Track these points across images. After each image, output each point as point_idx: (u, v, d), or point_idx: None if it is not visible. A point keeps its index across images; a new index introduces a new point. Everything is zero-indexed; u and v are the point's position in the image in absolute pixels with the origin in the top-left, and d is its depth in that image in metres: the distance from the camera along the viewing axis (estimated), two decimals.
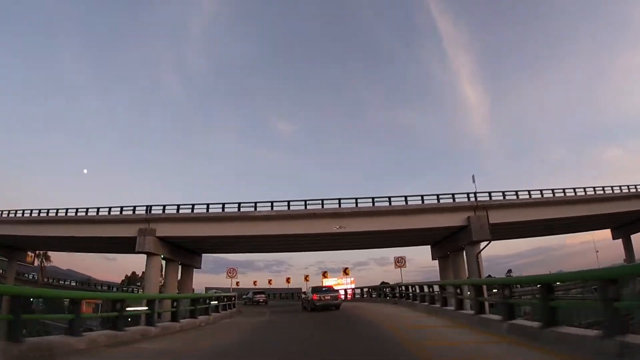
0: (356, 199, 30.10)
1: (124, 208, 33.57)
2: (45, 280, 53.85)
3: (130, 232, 31.69)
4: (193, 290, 41.52)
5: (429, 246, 38.67)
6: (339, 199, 29.92)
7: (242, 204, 30.02)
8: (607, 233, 43.18)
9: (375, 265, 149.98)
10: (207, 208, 30.59)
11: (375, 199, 30.32)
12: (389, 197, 30.56)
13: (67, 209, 36.22)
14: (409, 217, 29.99)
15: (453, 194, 31.48)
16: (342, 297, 31.58)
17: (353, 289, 30.51)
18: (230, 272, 19.77)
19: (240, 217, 29.61)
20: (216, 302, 17.93)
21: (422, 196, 30.90)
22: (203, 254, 41.25)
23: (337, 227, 29.10)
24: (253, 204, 29.84)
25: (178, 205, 31.55)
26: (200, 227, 30.36)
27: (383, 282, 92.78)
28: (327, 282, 51.00)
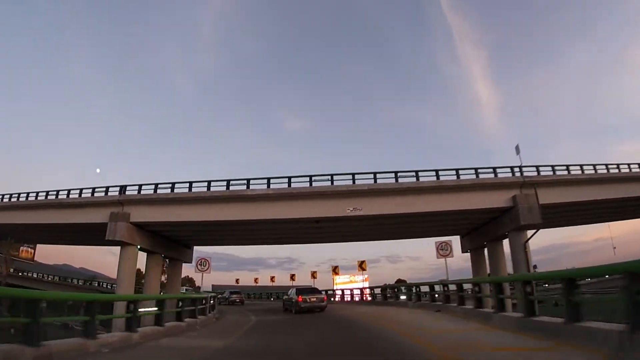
0: (374, 173, 23.98)
1: (97, 189, 28.20)
2: (11, 271, 49.37)
3: (101, 218, 26.29)
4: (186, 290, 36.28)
5: (457, 237, 32.41)
6: (353, 174, 23.84)
7: (232, 182, 24.24)
8: (623, 229, 36.62)
9: (386, 263, 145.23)
10: (190, 187, 24.91)
11: (399, 174, 24.15)
12: (416, 172, 24.35)
13: (37, 193, 31.24)
14: (442, 196, 23.72)
15: (494, 168, 25.15)
16: (358, 298, 25.63)
17: (370, 289, 24.33)
18: (200, 265, 13.92)
19: (229, 198, 23.81)
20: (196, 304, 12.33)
21: (457, 170, 24.61)
22: (195, 247, 35.77)
23: (351, 209, 23.04)
24: (245, 182, 24.02)
25: (156, 185, 25.97)
26: (180, 210, 24.69)
27: (399, 280, 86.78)
28: (339, 279, 46.16)
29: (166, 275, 39.03)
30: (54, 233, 33.63)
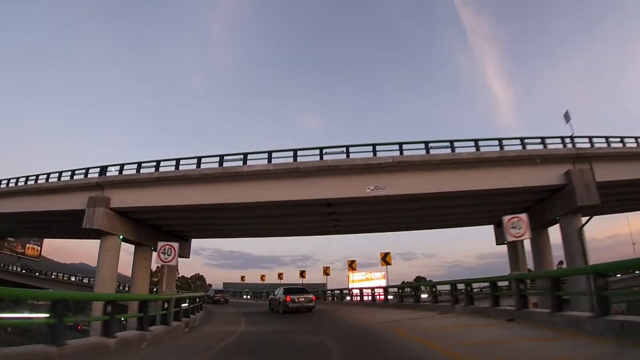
0: (400, 143, 19.33)
1: (77, 172, 24.55)
2: (17, 269, 46.62)
3: (78, 204, 22.60)
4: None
5: (485, 228, 27.66)
6: (374, 145, 19.24)
7: (226, 157, 20.02)
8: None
9: (400, 260, 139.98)
10: (177, 165, 20.84)
11: (431, 144, 19.47)
12: (451, 141, 19.65)
13: (17, 179, 27.91)
14: (481, 171, 18.99)
15: (542, 138, 20.31)
16: (368, 298, 21.04)
17: (398, 288, 19.50)
18: (164, 253, 9.98)
19: (222, 176, 19.61)
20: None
21: (499, 140, 19.87)
22: (193, 240, 31.86)
23: (371, 187, 18.49)
24: (242, 156, 19.75)
25: (139, 164, 22.01)
26: (166, 193, 20.66)
27: (418, 278, 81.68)
28: (355, 276, 42.44)
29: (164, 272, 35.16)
30: (29, 224, 30.13)
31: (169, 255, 10.81)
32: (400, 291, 18.74)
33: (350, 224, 25.40)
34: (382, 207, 20.92)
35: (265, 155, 19.50)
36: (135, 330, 8.20)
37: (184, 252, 30.37)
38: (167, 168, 21.00)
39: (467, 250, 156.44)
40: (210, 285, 77.09)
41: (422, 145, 19.62)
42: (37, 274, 54.01)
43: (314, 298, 16.31)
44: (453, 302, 13.07)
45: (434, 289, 14.82)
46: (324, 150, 19.23)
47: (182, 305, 10.84)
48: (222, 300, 30.41)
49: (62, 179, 24.69)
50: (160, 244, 11.17)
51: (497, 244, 27.99)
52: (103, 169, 23.20)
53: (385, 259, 20.09)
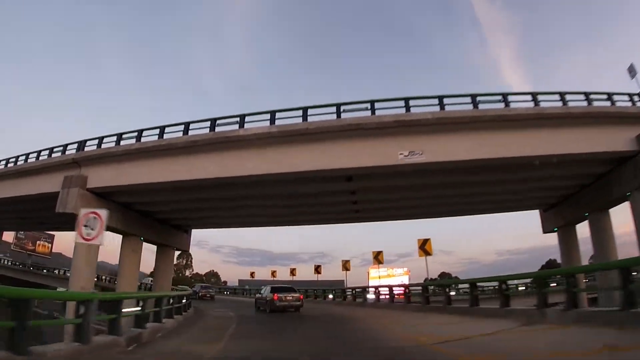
0: (440, 97, 14.84)
1: (55, 150, 21.16)
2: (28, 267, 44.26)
3: (54, 185, 19.18)
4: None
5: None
6: (406, 99, 14.81)
7: (219, 121, 15.98)
8: None
9: (417, 257, 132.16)
10: (161, 133, 16.98)
11: (479, 98, 14.96)
12: (504, 94, 15.11)
13: None
14: (540, 132, 14.50)
15: (609, 94, 15.80)
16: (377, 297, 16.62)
17: (449, 288, 15.02)
18: (86, 225, 6.81)
19: (215, 142, 15.52)
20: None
21: (561, 95, 15.25)
22: (194, 230, 28.20)
23: (405, 153, 14.10)
24: (237, 119, 15.65)
25: (119, 135, 18.32)
26: (148, 167, 16.84)
27: (443, 274, 76.85)
28: (378, 272, 38.59)
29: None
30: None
31: (92, 230, 6.94)
32: (447, 289, 14.18)
33: (373, 207, 20.97)
34: (414, 181, 16.44)
35: (267, 116, 15.36)
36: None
37: (183, 245, 26.78)
38: (151, 138, 17.23)
39: (485, 246, 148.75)
40: (225, 282, 74.81)
41: (468, 99, 15.15)
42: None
43: (301, 297, 16.27)
44: (541, 305, 8.63)
45: (503, 286, 10.32)
46: (342, 108, 14.93)
47: (124, 311, 6.84)
48: (207, 296, 30.12)
49: (41, 159, 21.43)
50: (82, 212, 7.32)
51: (545, 231, 23.49)
52: (81, 145, 19.69)
53: (425, 247, 15.48)
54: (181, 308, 13.82)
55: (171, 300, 11.45)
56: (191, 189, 17.45)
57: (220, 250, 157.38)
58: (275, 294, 15.63)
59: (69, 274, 46.66)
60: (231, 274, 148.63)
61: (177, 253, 31.07)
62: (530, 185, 18.17)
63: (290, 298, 15.76)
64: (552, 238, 22.85)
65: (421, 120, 14.22)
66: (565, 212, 20.93)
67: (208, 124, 16.05)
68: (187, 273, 79.05)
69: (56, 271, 49.05)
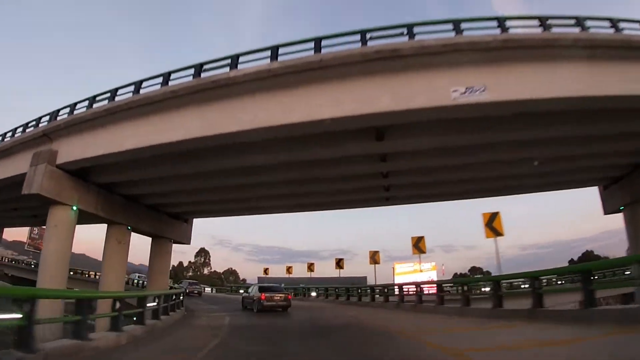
0: (499, 19, 10.53)
1: (30, 125, 18.13)
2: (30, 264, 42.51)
3: (22, 167, 16.14)
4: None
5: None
6: (455, 22, 10.53)
7: (206, 65, 12.20)
8: None
9: (441, 252, 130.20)
10: (138, 88, 13.39)
11: (551, 20, 10.59)
12: (577, 18, 10.65)
13: None
14: (625, 65, 9.86)
15: None
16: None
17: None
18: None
19: (200, 91, 11.70)
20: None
21: None
22: (195, 219, 24.79)
23: (462, 89, 9.87)
24: (229, 60, 11.80)
25: (93, 98, 14.93)
26: (122, 131, 13.26)
27: (474, 269, 71.96)
28: (402, 267, 37.77)
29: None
30: None
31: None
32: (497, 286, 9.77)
33: (408, 182, 16.67)
34: (474, 139, 12.15)
35: (268, 53, 11.43)
36: None
37: (183, 236, 23.34)
38: (124, 97, 13.71)
39: (504, 241, 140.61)
40: (244, 280, 73.68)
41: (536, 22, 10.80)
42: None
43: (289, 297, 16.25)
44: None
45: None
46: (368, 35, 10.82)
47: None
48: (195, 292, 30.74)
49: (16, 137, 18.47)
50: None
51: (606, 212, 19.09)
52: (53, 115, 16.51)
53: (492, 224, 11.11)
54: (168, 308, 11.77)
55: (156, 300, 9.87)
56: (173, 159, 13.81)
57: (242, 249, 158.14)
58: (263, 294, 15.38)
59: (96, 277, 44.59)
60: (251, 272, 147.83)
61: (193, 250, 28.30)
62: (604, 146, 13.48)
63: (278, 298, 15.55)
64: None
65: (479, 44, 9.95)
66: (632, 187, 16.55)
67: (192, 71, 12.33)
68: (206, 271, 77.31)
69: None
